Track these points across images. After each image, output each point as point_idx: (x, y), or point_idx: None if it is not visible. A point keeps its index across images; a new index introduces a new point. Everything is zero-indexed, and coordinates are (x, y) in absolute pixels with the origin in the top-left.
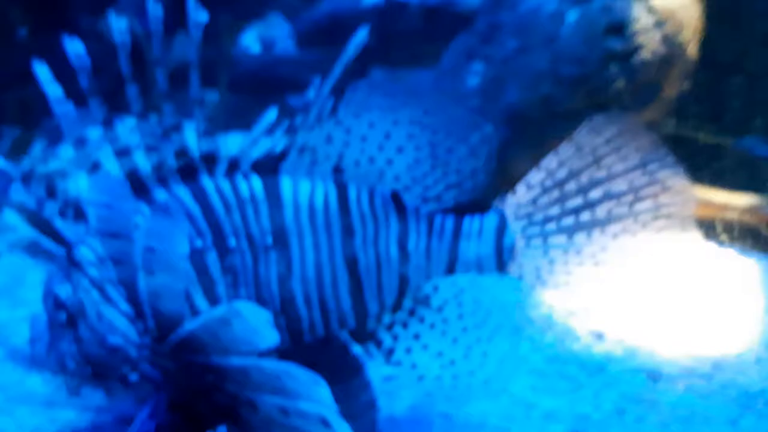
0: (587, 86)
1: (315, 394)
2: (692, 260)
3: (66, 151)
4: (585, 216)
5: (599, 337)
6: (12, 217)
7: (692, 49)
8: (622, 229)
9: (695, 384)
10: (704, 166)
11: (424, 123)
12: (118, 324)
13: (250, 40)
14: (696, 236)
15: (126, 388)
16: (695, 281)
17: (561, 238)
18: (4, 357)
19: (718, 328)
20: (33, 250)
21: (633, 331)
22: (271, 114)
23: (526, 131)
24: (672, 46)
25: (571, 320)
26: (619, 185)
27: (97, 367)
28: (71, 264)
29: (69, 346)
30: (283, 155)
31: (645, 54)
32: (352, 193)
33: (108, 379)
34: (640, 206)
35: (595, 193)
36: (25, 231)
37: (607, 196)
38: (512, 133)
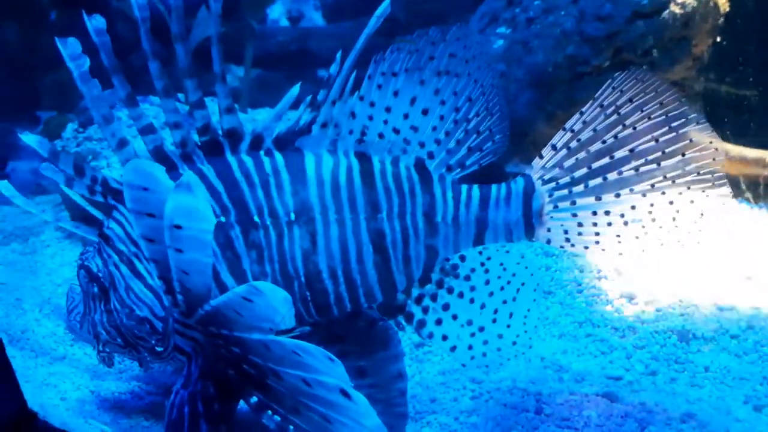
0: (614, 44)
1: (330, 370)
2: (723, 217)
3: (98, 132)
4: (612, 176)
5: (630, 298)
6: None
7: (722, 3)
8: (650, 186)
9: (728, 343)
10: (736, 123)
11: (446, 78)
12: (145, 298)
13: (278, 14)
14: (726, 192)
15: (158, 358)
16: (727, 239)
17: (589, 200)
18: (48, 333)
19: (750, 287)
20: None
21: (664, 292)
22: (294, 90)
23: (554, 92)
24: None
25: (602, 283)
26: (646, 143)
27: (128, 338)
28: (102, 239)
29: (101, 316)
30: (305, 131)
31: (673, 9)
32: (376, 167)
33: (140, 350)
34: (667, 163)
35: (621, 153)
36: (51, 216)
37: (634, 155)
38: (540, 94)
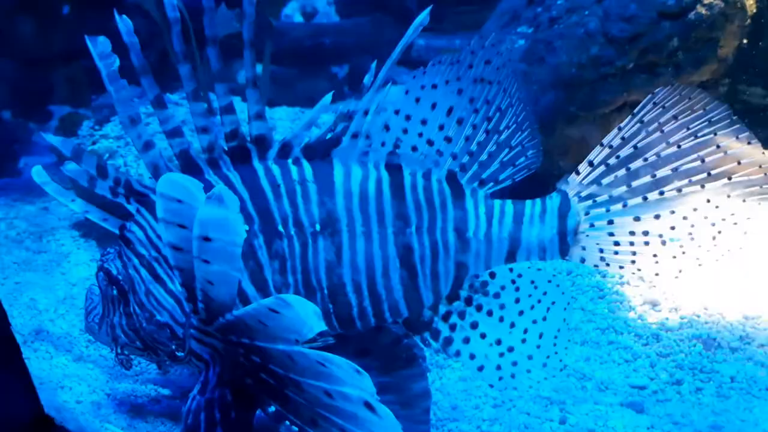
0: (639, 45)
1: (357, 382)
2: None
3: (114, 130)
4: (653, 196)
5: (653, 305)
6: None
7: (750, 4)
8: (693, 210)
9: (754, 353)
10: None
11: (480, 86)
12: (165, 303)
13: (291, 10)
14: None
15: (176, 363)
16: (751, 245)
17: (628, 219)
18: (62, 334)
19: None
20: (86, 228)
21: (688, 299)
22: (327, 98)
23: (577, 94)
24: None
25: (624, 288)
26: (690, 163)
27: (146, 341)
28: (122, 241)
29: (120, 319)
30: (336, 140)
31: (699, 10)
32: (407, 180)
33: (159, 353)
34: (712, 185)
35: (663, 172)
36: (79, 207)
37: (678, 174)
38: (562, 96)
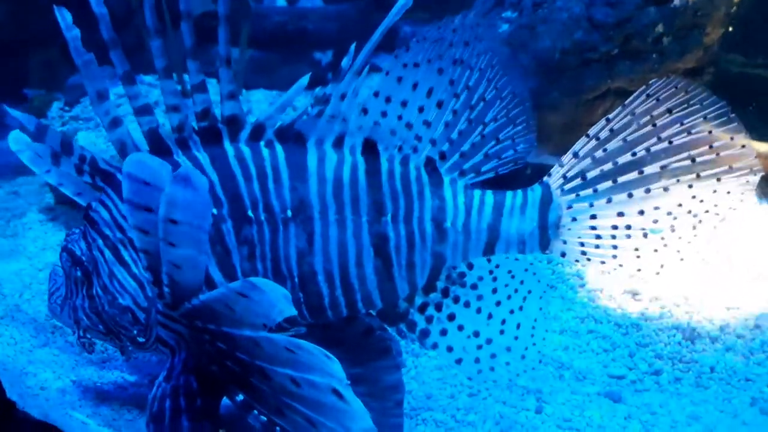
0: (624, 31)
1: (327, 368)
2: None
3: (84, 111)
4: (639, 193)
5: (634, 294)
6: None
7: None
8: (678, 205)
9: (734, 343)
10: (747, 114)
11: (461, 69)
12: (128, 286)
13: None
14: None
15: (140, 348)
16: (734, 236)
17: (611, 214)
18: (28, 319)
19: (757, 285)
20: (54, 212)
21: (669, 289)
22: (304, 80)
23: (561, 79)
24: None
25: (605, 277)
26: (681, 162)
27: (108, 325)
28: (87, 221)
29: (82, 301)
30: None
31: None
32: (384, 166)
33: (122, 338)
34: (700, 184)
35: (651, 169)
36: (54, 178)
37: (665, 172)
38: (546, 81)
